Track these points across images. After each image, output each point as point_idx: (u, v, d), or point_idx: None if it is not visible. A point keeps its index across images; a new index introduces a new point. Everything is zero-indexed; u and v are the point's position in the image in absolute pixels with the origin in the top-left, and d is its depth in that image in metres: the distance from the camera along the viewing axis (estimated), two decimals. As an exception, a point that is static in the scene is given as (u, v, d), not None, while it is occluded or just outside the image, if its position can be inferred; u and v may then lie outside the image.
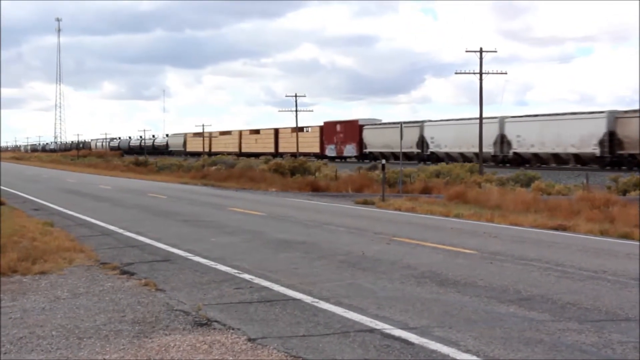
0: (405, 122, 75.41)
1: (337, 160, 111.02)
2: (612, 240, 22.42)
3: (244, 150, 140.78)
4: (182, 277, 14.92)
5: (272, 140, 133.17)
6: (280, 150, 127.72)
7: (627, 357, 9.33)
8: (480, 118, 72.11)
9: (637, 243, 21.71)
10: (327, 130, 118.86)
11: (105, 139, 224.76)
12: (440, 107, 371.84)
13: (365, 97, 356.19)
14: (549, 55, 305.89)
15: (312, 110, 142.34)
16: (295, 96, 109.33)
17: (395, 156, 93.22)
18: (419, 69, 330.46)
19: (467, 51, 71.02)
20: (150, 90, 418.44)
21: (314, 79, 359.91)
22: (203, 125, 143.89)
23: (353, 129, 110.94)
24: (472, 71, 71.26)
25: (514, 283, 14.34)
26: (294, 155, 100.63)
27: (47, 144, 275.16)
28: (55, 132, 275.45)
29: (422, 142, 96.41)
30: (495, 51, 76.43)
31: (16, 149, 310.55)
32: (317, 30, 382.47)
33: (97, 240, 20.99)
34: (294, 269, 15.99)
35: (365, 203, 38.22)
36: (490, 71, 71.71)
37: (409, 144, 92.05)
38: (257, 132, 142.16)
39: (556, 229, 25.51)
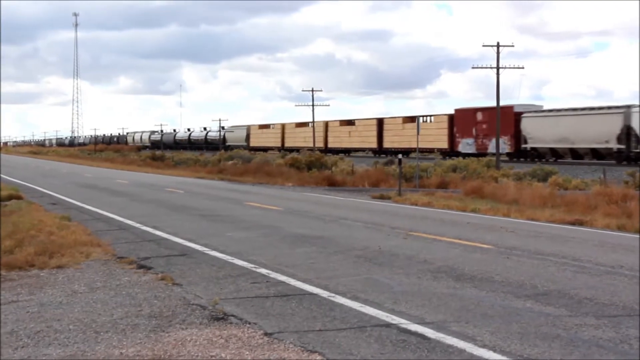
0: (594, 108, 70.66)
1: (473, 156, 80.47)
2: (629, 235, 22.33)
3: (331, 145, 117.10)
4: (199, 272, 14.94)
5: (374, 132, 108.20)
6: (386, 145, 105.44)
7: (645, 353, 9.31)
8: (498, 112, 71.87)
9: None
10: (462, 120, 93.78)
11: (145, 132, 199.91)
12: (456, 101, 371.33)
13: (381, 92, 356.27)
14: (565, 50, 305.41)
15: (328, 105, 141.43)
16: (312, 91, 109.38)
17: (576, 154, 77.45)
18: (435, 64, 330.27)
19: (484, 45, 71.08)
20: (166, 85, 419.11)
21: (330, 74, 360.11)
22: (220, 120, 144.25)
23: (506, 118, 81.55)
24: (488, 66, 71.13)
25: (531, 278, 14.31)
26: (404, 152, 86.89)
27: (75, 137, 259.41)
28: (72, 127, 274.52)
29: (628, 135, 71.22)
30: (513, 45, 76.50)
31: (40, 143, 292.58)
32: (332, 25, 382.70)
33: (114, 234, 21.04)
34: (310, 263, 15.99)
35: (382, 198, 38.18)
36: (507, 66, 71.52)
37: (603, 136, 73.25)
38: (349, 122, 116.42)
39: (573, 224, 25.44)
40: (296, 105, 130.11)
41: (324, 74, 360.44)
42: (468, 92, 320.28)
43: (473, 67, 72.43)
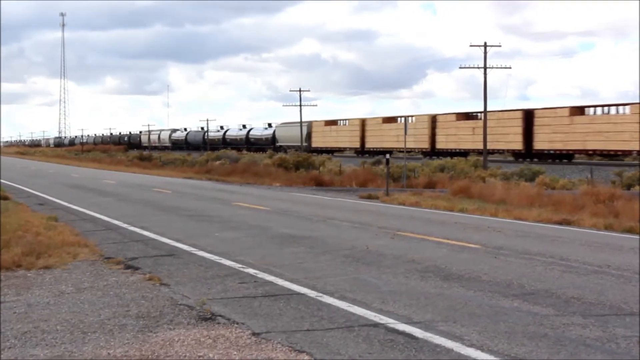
0: None
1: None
2: (616, 235, 22.40)
3: (441, 145, 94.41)
4: (187, 272, 14.92)
5: (520, 126, 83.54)
6: (538, 147, 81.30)
7: (631, 352, 9.33)
8: (485, 112, 72.02)
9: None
10: None
11: (164, 130, 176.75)
12: (442, 101, 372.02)
13: (368, 92, 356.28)
14: (550, 50, 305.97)
15: (316, 105, 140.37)
16: (300, 91, 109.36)
17: None
18: (421, 64, 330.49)
19: (471, 45, 71.22)
20: (153, 85, 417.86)
21: (316, 74, 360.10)
22: (207, 120, 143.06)
23: None
24: (474, 66, 71.24)
25: (518, 277, 14.34)
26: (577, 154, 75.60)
27: (75, 137, 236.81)
28: (59, 127, 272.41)
29: None
30: (500, 45, 76.91)
31: (35, 143, 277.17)
32: (318, 25, 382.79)
33: (102, 235, 21.00)
34: (298, 263, 16.00)
35: (370, 197, 38.21)
36: (493, 66, 71.62)
37: None
38: (465, 116, 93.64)
39: (560, 223, 25.50)
40: (284, 106, 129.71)
41: (310, 75, 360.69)
42: (454, 92, 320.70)
43: (461, 67, 72.56)
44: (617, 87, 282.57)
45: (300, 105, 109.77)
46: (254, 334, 10.02)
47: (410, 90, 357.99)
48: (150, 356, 9.07)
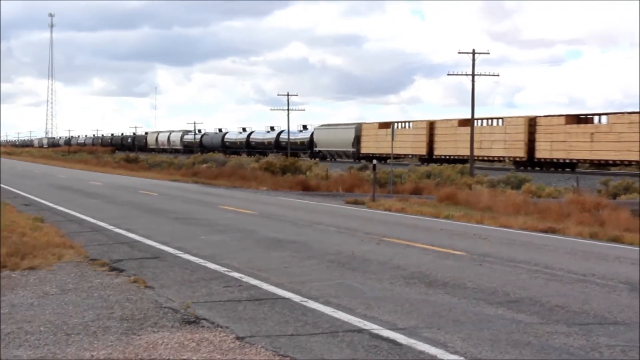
0: None
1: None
2: (601, 244, 22.44)
3: (542, 155, 77.67)
4: (172, 275, 14.91)
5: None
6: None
7: (614, 361, 9.36)
8: (472, 119, 72.14)
9: (627, 247, 21.77)
10: None
11: (175, 131, 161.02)
12: (430, 107, 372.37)
13: (355, 97, 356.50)
14: (538, 58, 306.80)
15: (304, 110, 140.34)
16: (288, 95, 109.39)
17: None
18: (409, 70, 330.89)
19: (459, 52, 71.23)
20: (140, 87, 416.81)
21: (304, 78, 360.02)
22: (195, 123, 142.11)
23: None
24: (462, 72, 71.41)
25: (503, 285, 14.36)
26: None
27: (71, 137, 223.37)
28: (46, 128, 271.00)
29: None
30: (488, 53, 76.82)
31: (27, 143, 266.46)
32: (306, 29, 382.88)
33: (87, 236, 20.96)
34: (283, 267, 15.99)
35: (356, 203, 38.20)
36: (481, 73, 71.76)
37: None
38: (584, 120, 75.83)
39: (546, 231, 25.54)
40: (271, 110, 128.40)
41: (298, 79, 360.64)
42: (442, 98, 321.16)
43: (449, 74, 72.86)
44: (605, 96, 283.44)
45: (288, 110, 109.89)
46: (238, 337, 10.02)
47: (398, 96, 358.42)
48: (133, 358, 9.06)
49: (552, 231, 25.52)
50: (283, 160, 70.22)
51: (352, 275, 15.15)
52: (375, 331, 10.44)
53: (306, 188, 49.99)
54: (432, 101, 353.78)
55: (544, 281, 15.04)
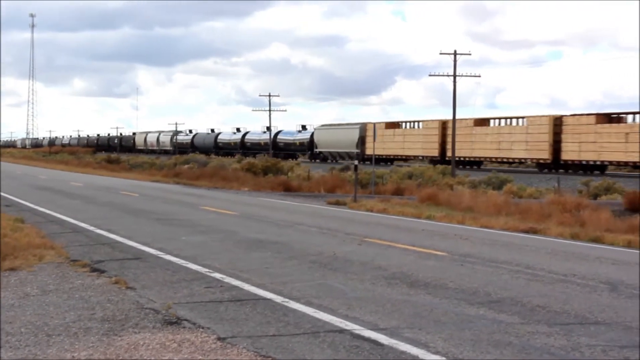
0: None
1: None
2: (582, 244, 22.52)
3: (569, 156, 72.42)
4: (153, 276, 14.88)
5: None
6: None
7: (595, 360, 9.40)
8: (454, 120, 72.29)
9: (608, 247, 21.86)
10: None
11: (164, 132, 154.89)
12: (411, 108, 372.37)
13: (337, 98, 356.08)
14: (519, 58, 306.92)
15: (285, 110, 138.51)
16: (269, 96, 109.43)
17: None
18: (390, 71, 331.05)
19: (441, 53, 71.41)
20: (121, 87, 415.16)
21: (286, 79, 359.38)
22: (176, 124, 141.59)
23: None
24: (444, 73, 71.56)
25: (484, 285, 14.39)
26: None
27: (55, 137, 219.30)
28: (27, 128, 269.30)
29: None
30: (470, 54, 77.39)
31: (10, 144, 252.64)
32: (287, 30, 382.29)
33: (68, 237, 20.89)
34: (265, 268, 15.98)
35: (337, 204, 38.21)
36: (463, 74, 71.92)
37: None
38: (616, 119, 70.55)
39: (527, 232, 25.61)
40: (253, 110, 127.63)
41: (279, 79, 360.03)
42: (424, 99, 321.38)
43: (430, 75, 73.12)
44: (586, 96, 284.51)
45: (270, 110, 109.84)
46: (219, 338, 10.01)
47: (379, 97, 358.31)
48: (115, 359, 9.04)
49: (533, 231, 25.59)
50: (265, 161, 70.14)
51: (333, 276, 15.15)
52: (357, 331, 10.44)
53: (288, 189, 49.99)
54: (413, 102, 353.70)
55: (525, 281, 15.08)
